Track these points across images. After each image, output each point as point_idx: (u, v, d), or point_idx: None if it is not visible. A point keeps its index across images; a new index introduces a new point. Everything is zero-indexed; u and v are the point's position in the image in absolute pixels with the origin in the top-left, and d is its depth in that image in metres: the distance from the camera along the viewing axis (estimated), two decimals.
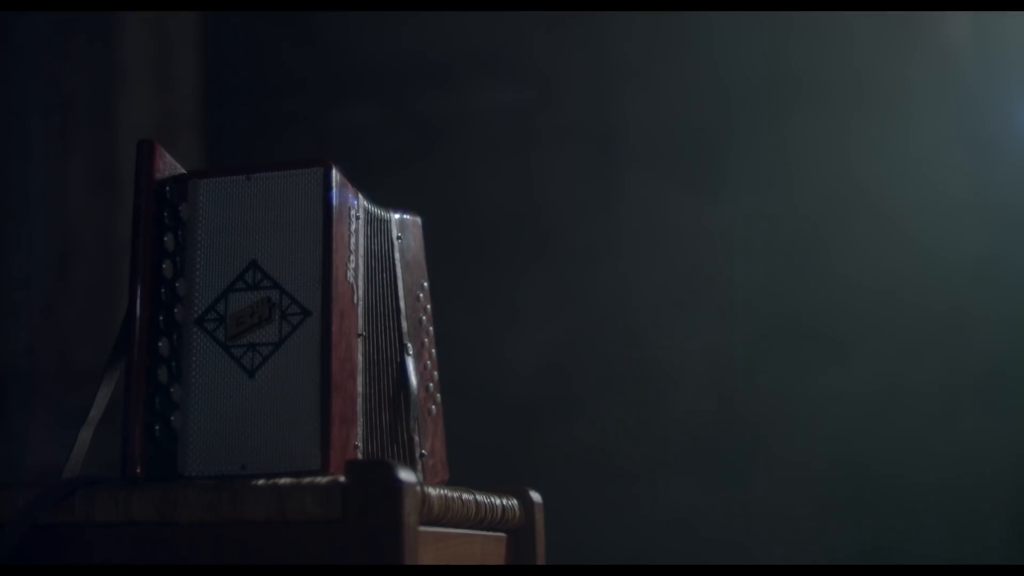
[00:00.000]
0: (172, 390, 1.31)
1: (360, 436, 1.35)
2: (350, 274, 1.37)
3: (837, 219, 3.73)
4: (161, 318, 1.32)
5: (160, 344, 1.31)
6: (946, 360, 3.58)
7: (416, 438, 1.48)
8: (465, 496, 1.38)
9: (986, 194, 3.51)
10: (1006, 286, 3.49)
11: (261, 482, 1.23)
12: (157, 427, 1.29)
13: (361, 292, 1.40)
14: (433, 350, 1.59)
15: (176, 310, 1.34)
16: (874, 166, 3.73)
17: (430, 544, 1.30)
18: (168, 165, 1.36)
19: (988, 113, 3.52)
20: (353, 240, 1.39)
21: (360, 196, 1.44)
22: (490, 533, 1.52)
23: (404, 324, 1.51)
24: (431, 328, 1.58)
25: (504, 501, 1.52)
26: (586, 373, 3.91)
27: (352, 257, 1.38)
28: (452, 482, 1.49)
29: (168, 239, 1.34)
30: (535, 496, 1.60)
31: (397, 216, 1.55)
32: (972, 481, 3.49)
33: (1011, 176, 3.49)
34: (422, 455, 1.51)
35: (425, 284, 1.60)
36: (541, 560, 1.60)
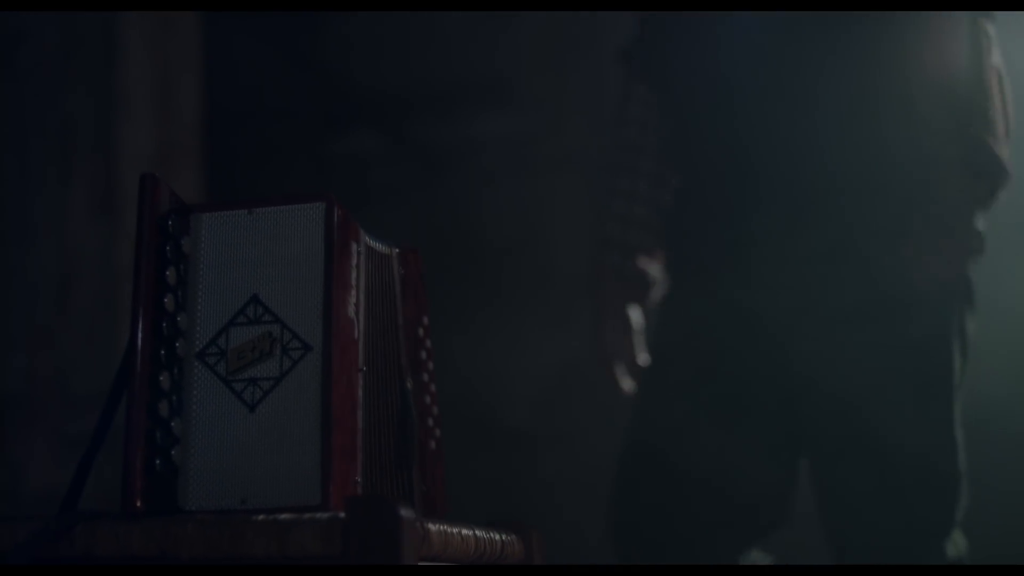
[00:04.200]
0: (173, 424, 1.31)
1: (361, 471, 1.35)
2: (351, 309, 1.38)
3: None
4: (162, 352, 1.32)
5: (161, 378, 1.31)
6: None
7: (416, 473, 1.48)
8: (464, 532, 1.38)
9: None
10: None
11: (261, 517, 1.23)
12: (158, 461, 1.29)
13: (362, 327, 1.40)
14: (433, 385, 1.59)
15: (177, 344, 1.34)
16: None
17: None
18: (170, 198, 1.37)
19: None
20: (354, 275, 1.40)
21: (362, 231, 1.44)
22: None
23: (404, 359, 1.51)
24: (431, 363, 1.59)
25: (503, 536, 1.52)
26: (585, 404, 3.90)
27: (353, 292, 1.39)
28: (451, 516, 1.49)
29: (170, 273, 1.34)
30: (534, 531, 1.60)
31: (398, 250, 1.55)
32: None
33: None
34: (422, 490, 1.51)
35: (425, 319, 1.60)
36: None
